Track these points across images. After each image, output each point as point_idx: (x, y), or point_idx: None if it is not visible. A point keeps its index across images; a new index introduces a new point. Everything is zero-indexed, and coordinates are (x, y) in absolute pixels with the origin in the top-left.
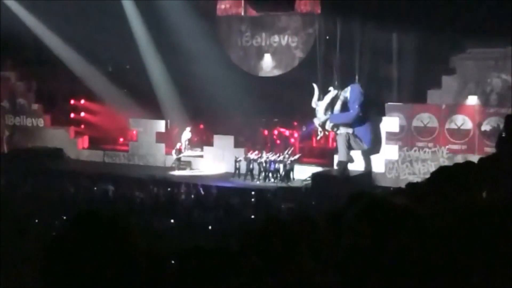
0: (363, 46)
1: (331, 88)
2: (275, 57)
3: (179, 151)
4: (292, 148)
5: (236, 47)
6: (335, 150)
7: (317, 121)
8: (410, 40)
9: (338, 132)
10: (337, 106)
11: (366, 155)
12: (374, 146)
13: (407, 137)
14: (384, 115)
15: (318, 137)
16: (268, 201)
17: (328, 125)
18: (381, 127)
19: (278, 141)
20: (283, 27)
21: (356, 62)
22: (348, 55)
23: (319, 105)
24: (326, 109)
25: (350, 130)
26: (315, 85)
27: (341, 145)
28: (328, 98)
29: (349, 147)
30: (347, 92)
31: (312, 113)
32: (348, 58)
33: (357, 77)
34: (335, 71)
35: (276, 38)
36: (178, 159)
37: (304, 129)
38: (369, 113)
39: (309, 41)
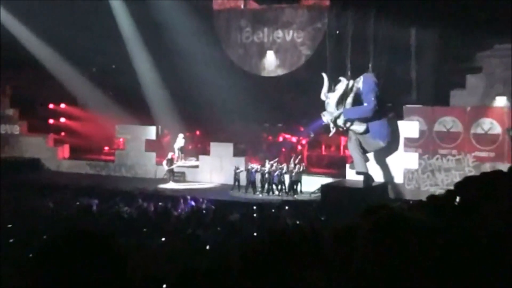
0: (378, 42)
1: (342, 78)
2: (278, 55)
3: (172, 161)
4: (299, 157)
5: (235, 44)
6: (347, 158)
7: (328, 116)
8: (431, 34)
9: (352, 128)
10: (349, 99)
11: (382, 162)
12: (392, 144)
13: (428, 144)
14: (401, 118)
15: (331, 134)
16: (272, 217)
17: (341, 121)
18: (399, 132)
19: (283, 149)
20: (287, 21)
21: (370, 56)
22: (361, 51)
23: (330, 98)
24: (338, 102)
25: (363, 126)
26: (324, 75)
27: (355, 153)
28: (340, 89)
29: (364, 152)
30: (359, 83)
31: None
32: (361, 54)
33: (370, 65)
34: (346, 61)
35: (279, 33)
36: (171, 170)
37: (311, 134)
38: (383, 106)
39: (317, 36)
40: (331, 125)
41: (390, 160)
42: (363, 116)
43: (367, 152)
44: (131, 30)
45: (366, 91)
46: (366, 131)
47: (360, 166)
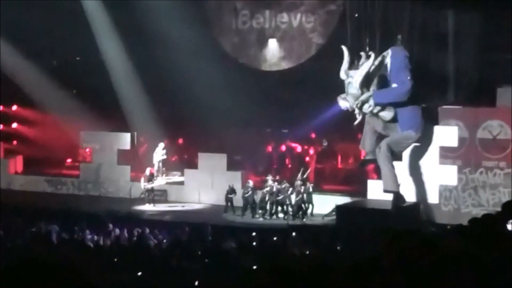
0: (406, 28)
1: (367, 53)
2: (283, 44)
3: (152, 177)
4: (309, 171)
5: (230, 31)
6: (368, 173)
7: (351, 100)
8: (473, 17)
9: (381, 114)
10: (376, 78)
11: (412, 177)
12: (423, 152)
13: (469, 154)
14: (436, 123)
15: (356, 122)
16: (275, 245)
17: (368, 106)
18: (433, 140)
19: (288, 161)
20: (294, 2)
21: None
22: (385, 38)
23: (354, 76)
24: (363, 83)
25: (391, 112)
26: (344, 48)
27: (384, 165)
28: (366, 66)
29: (391, 163)
30: (386, 58)
31: (339, 120)
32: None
33: (399, 37)
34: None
35: (284, 17)
36: (150, 189)
37: (324, 142)
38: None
39: (331, 21)
40: (357, 111)
41: (422, 174)
42: (398, 100)
43: (395, 152)
44: (100, 14)
45: (397, 69)
46: (395, 119)
47: (389, 183)
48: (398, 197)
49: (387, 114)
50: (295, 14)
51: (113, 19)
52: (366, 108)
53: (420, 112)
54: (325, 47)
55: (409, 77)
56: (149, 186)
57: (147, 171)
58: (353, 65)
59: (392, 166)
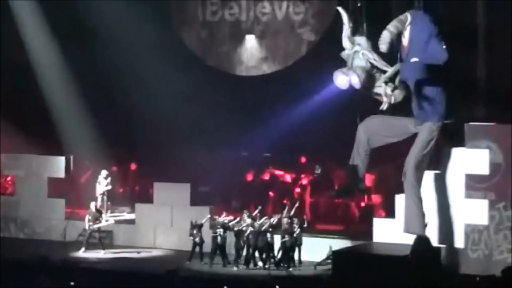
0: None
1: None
2: (264, 42)
3: (99, 214)
4: (297, 205)
5: (195, 24)
6: (375, 208)
7: (359, 73)
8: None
9: (394, 93)
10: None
11: (432, 213)
12: (449, 160)
13: (504, 185)
14: (462, 144)
15: (384, 107)
16: None
17: (389, 87)
18: (458, 167)
19: (271, 193)
20: None
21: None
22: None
23: (361, 44)
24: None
25: (402, 92)
26: (341, 10)
27: (410, 197)
28: (390, 29)
29: (419, 195)
30: (405, 23)
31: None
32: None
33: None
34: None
35: (266, 7)
36: (96, 230)
37: (317, 169)
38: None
39: (326, 12)
40: (385, 90)
41: (443, 210)
42: (432, 76)
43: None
44: (27, 5)
45: (421, 37)
46: (407, 98)
47: (414, 223)
48: (422, 242)
49: (398, 95)
50: (280, 3)
51: (45, 14)
52: (383, 89)
53: (442, 97)
54: (318, 45)
55: (444, 46)
56: (96, 226)
57: (93, 206)
58: (358, 31)
59: (420, 200)
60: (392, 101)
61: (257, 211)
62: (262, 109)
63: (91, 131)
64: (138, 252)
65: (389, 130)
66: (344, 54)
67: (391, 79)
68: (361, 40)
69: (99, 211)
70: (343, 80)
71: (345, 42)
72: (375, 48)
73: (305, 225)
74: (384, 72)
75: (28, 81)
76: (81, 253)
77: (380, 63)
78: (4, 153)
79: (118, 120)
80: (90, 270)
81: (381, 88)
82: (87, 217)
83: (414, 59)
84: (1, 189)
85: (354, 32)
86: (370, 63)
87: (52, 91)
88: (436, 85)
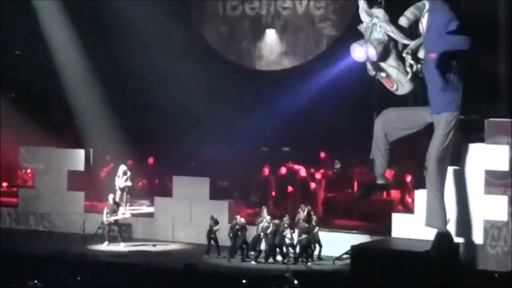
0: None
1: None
2: (285, 37)
3: (116, 207)
4: (309, 207)
5: (216, 18)
6: (394, 204)
7: (375, 46)
8: None
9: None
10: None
11: (455, 210)
12: (468, 156)
13: None
14: (482, 140)
15: (401, 92)
16: None
17: (409, 61)
18: (477, 163)
19: (289, 188)
20: None
21: None
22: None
23: (380, 16)
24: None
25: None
26: None
27: (432, 191)
28: (408, 15)
29: (442, 189)
30: (422, 10)
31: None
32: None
33: None
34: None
35: (287, 1)
36: (114, 223)
37: (337, 164)
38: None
39: (348, 8)
40: (409, 63)
41: (462, 206)
42: (458, 48)
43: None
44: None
45: (440, 27)
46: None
47: (436, 217)
48: (444, 237)
49: (408, 85)
50: None
51: (65, 6)
52: (408, 60)
53: (459, 85)
54: (339, 41)
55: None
56: (112, 219)
57: (110, 198)
58: (376, 4)
59: (442, 195)
60: (400, 90)
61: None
62: (281, 103)
63: (111, 125)
64: (156, 246)
65: (405, 122)
66: (362, 27)
67: (414, 53)
68: (379, 12)
69: (117, 204)
70: (360, 52)
71: (363, 16)
72: (393, 21)
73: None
74: (403, 46)
75: (49, 76)
76: (105, 246)
77: (399, 36)
78: (23, 146)
79: (138, 115)
80: (109, 263)
81: (394, 69)
82: (105, 210)
83: (431, 49)
84: (21, 181)
85: (371, 4)
86: (388, 35)
87: (73, 86)
88: (452, 74)
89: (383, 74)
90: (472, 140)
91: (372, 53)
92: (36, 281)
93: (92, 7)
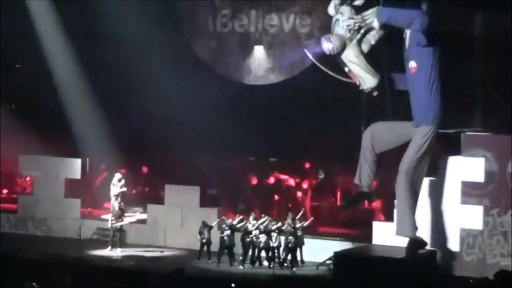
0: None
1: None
2: (272, 52)
3: (121, 213)
4: (302, 211)
5: (206, 34)
6: (375, 212)
7: (334, 42)
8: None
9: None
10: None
11: (427, 218)
12: (446, 168)
13: (498, 192)
14: (458, 152)
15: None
16: None
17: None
18: (454, 175)
19: (276, 196)
20: (286, 1)
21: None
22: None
23: (344, 13)
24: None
25: (375, 78)
26: None
27: (402, 202)
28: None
29: (413, 199)
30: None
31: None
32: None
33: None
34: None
35: (274, 19)
36: (118, 229)
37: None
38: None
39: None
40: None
41: (439, 215)
42: (414, 27)
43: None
44: (46, 12)
45: (418, 36)
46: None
47: (405, 226)
48: (415, 243)
49: (369, 81)
50: (288, 16)
51: (62, 18)
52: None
53: (435, 98)
54: (324, 57)
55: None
56: (118, 224)
57: (116, 205)
58: (346, 2)
59: (412, 204)
60: (362, 85)
61: (263, 219)
62: (268, 116)
63: (106, 135)
64: (149, 251)
65: (392, 135)
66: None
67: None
68: (346, 10)
69: (121, 210)
70: (324, 45)
71: (331, 10)
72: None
73: (305, 224)
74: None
75: (49, 87)
76: (108, 252)
77: (357, 19)
78: (22, 155)
79: (132, 124)
80: (103, 267)
81: (355, 65)
82: (110, 216)
83: (412, 62)
84: (20, 188)
85: (343, 1)
86: (350, 32)
87: (71, 97)
88: (429, 88)
89: (346, 69)
90: (449, 153)
91: (326, 47)
92: (34, 283)
93: (90, 22)
